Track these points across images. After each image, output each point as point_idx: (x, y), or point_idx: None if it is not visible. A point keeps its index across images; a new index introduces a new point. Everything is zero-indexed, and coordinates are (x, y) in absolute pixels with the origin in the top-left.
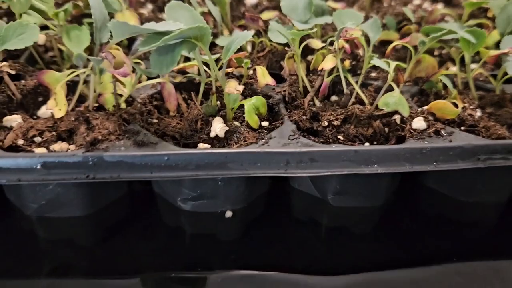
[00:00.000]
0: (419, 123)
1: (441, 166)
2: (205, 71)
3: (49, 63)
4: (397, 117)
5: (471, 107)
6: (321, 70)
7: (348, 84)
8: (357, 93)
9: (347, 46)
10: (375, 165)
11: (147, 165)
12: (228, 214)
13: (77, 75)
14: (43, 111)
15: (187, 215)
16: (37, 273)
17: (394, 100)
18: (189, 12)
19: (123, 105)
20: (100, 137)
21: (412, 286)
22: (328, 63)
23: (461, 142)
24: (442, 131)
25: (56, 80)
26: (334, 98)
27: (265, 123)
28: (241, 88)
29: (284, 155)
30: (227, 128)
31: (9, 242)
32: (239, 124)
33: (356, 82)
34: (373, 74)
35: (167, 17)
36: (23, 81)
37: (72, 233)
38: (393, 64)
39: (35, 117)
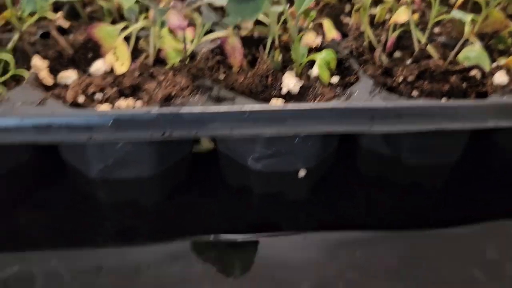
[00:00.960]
0: (501, 78)
1: None
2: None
3: (89, 19)
4: (475, 72)
5: None
6: (386, 24)
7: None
8: (425, 49)
9: None
10: (461, 121)
11: (226, 122)
12: (302, 173)
13: (126, 29)
14: (96, 68)
15: (257, 175)
16: (104, 237)
17: (475, 54)
18: None
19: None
20: (173, 93)
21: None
22: (401, 16)
23: None
24: None
25: (108, 34)
26: (397, 54)
27: (334, 79)
28: (319, 40)
29: (369, 111)
30: (302, 83)
31: (72, 207)
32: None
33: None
34: (436, 30)
35: None
36: (71, 36)
37: (136, 195)
38: (469, 16)
39: (87, 73)
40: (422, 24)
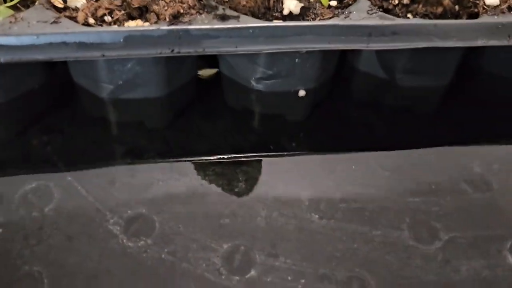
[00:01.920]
0: None
1: None
2: None
3: None
4: None
5: None
6: None
7: None
8: None
9: None
10: (454, 39)
11: (232, 39)
12: (301, 93)
13: None
14: None
15: (259, 95)
16: (115, 155)
17: None
18: None
19: None
20: (181, 11)
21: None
22: None
23: None
24: None
25: None
26: None
27: (333, 3)
28: None
29: (366, 28)
30: (302, 4)
31: (84, 128)
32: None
33: None
34: None
35: None
36: None
37: (144, 116)
38: None
39: None
40: None
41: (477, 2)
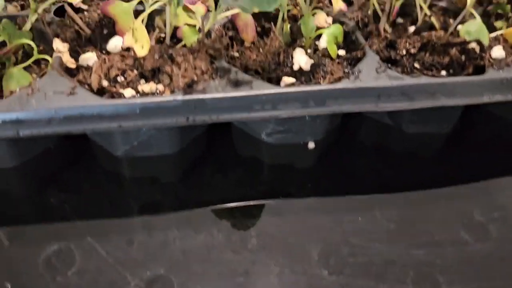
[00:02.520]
0: (498, 52)
1: None
2: None
3: None
4: (474, 45)
5: None
6: None
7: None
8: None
9: None
10: (459, 97)
11: (246, 105)
12: (311, 145)
13: (141, 3)
14: (113, 46)
15: (269, 147)
16: (131, 212)
17: (475, 29)
18: None
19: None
20: (195, 78)
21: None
22: None
23: None
24: None
25: (123, 11)
26: (400, 20)
27: (341, 52)
28: (330, 21)
29: (376, 90)
30: (312, 61)
31: (100, 185)
32: (321, 56)
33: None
34: None
35: None
36: (85, 13)
37: (158, 170)
38: None
39: (104, 51)
40: None
41: (484, 55)
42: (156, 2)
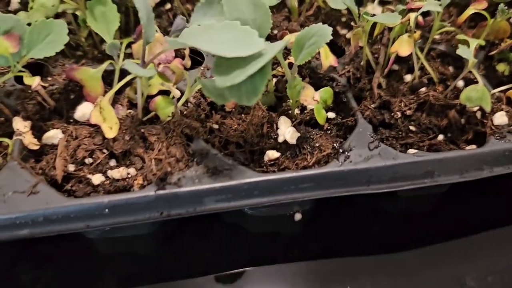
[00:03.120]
0: (501, 118)
1: None
2: None
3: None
4: (476, 109)
5: None
6: (385, 40)
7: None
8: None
9: (420, 19)
10: (458, 173)
11: (224, 196)
12: (297, 217)
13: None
14: (80, 114)
15: (252, 219)
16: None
17: (477, 95)
18: None
19: (176, 110)
20: (169, 169)
21: None
22: (404, 47)
23: None
24: None
25: (91, 77)
26: (395, 67)
27: (331, 114)
28: (318, 97)
29: (367, 171)
30: (298, 134)
31: (74, 262)
32: (309, 129)
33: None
34: (436, 37)
35: (226, 11)
36: (49, 79)
37: (135, 246)
38: (474, 43)
39: (71, 120)
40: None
41: (485, 121)
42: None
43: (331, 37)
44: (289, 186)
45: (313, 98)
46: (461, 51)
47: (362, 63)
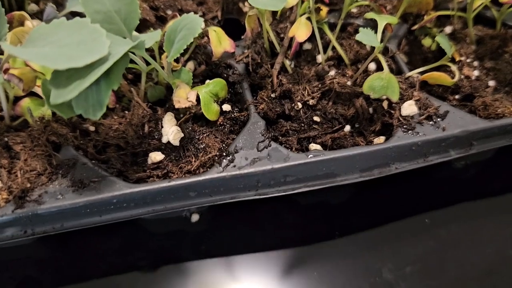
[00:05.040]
0: (409, 108)
1: (431, 160)
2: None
3: None
4: (384, 98)
5: (468, 60)
6: (292, 17)
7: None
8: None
9: None
10: (358, 173)
11: (93, 210)
12: (195, 218)
13: None
14: None
15: (148, 222)
16: None
17: (382, 84)
18: None
19: (48, 112)
20: (28, 185)
21: None
22: (302, 31)
23: (455, 129)
24: (434, 117)
25: None
26: (307, 46)
27: (226, 107)
28: (193, 96)
29: (254, 176)
30: (182, 134)
31: None
32: (197, 127)
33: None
34: (354, 10)
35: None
36: None
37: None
38: (383, 22)
39: None
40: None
41: (393, 112)
42: None
43: (200, 30)
44: (166, 195)
45: (187, 99)
46: (361, 36)
47: (265, 45)
